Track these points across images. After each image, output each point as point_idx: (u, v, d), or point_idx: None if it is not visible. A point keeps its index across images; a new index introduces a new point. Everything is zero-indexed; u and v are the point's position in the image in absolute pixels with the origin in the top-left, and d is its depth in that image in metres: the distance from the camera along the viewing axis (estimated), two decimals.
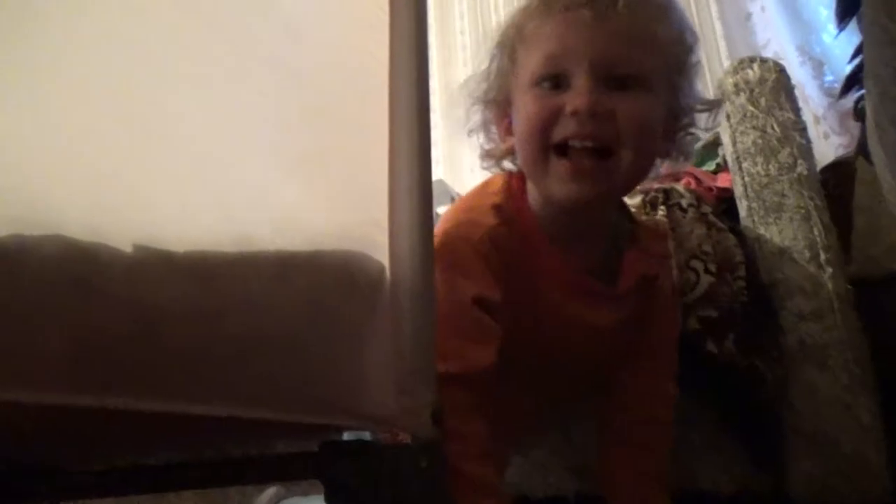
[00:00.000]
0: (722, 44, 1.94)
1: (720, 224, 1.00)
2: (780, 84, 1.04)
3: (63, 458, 0.56)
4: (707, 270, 0.93)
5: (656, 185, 1.03)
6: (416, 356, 0.46)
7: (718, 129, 1.09)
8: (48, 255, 0.29)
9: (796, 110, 1.03)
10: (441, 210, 1.79)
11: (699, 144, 1.06)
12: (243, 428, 0.44)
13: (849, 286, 0.94)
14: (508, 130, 0.75)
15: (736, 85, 1.04)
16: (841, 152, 1.57)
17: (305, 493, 0.75)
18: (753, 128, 1.01)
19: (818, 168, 1.06)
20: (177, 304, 0.33)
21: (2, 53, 0.30)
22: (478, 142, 0.80)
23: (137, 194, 0.34)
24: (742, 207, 1.02)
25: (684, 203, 1.00)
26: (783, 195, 0.97)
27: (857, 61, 1.14)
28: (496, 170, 0.80)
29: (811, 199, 0.96)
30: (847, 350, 0.89)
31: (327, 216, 0.45)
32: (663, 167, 0.76)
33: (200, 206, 0.37)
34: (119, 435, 0.46)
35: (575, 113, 0.64)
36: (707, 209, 1.02)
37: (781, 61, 1.10)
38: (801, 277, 0.93)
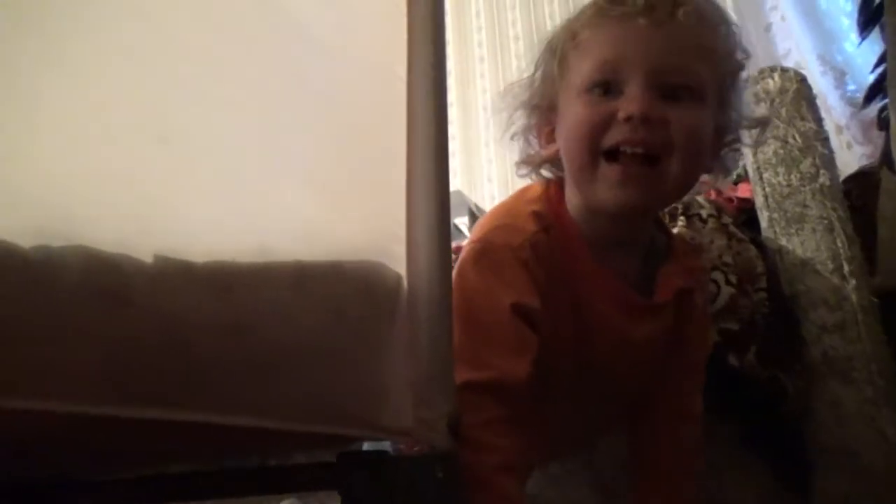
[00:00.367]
0: None
1: (741, 235, 0.99)
2: (801, 94, 1.03)
3: (82, 469, 0.56)
4: (728, 282, 0.92)
5: None
6: (433, 367, 0.46)
7: None
8: (73, 267, 0.30)
9: (818, 120, 1.02)
10: (458, 221, 1.80)
11: None
12: (262, 438, 0.45)
13: (873, 298, 0.92)
14: (550, 137, 0.75)
15: (756, 95, 1.04)
16: (864, 162, 1.55)
17: None
18: (774, 138, 1.00)
19: (841, 178, 1.05)
20: (198, 315, 0.34)
21: (30, 67, 0.30)
22: (518, 148, 0.79)
23: (158, 205, 0.35)
24: (763, 218, 1.01)
25: (704, 213, 0.99)
26: (805, 206, 0.96)
27: (880, 70, 1.13)
28: (534, 177, 0.79)
29: (834, 209, 0.95)
30: (871, 362, 0.87)
31: (345, 227, 0.45)
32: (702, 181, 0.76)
33: (220, 217, 0.38)
34: (139, 445, 0.46)
35: (628, 118, 0.64)
36: (727, 220, 1.01)
37: (802, 71, 1.09)
38: (823, 289, 0.92)
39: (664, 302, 0.75)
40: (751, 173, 1.05)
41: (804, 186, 0.97)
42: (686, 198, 1.02)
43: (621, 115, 0.64)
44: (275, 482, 0.47)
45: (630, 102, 0.64)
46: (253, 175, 0.40)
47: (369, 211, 0.48)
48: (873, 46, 1.52)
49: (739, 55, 0.71)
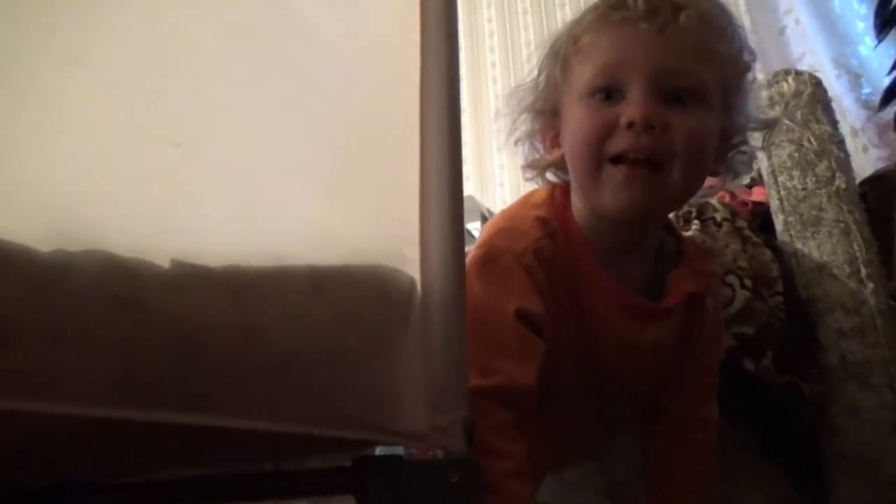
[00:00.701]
0: None
1: (755, 238, 0.98)
2: (816, 97, 1.02)
3: (94, 473, 0.57)
4: (743, 286, 0.91)
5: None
6: (447, 370, 0.46)
7: None
8: (91, 271, 0.30)
9: (833, 123, 1.01)
10: (471, 226, 1.80)
11: None
12: (276, 442, 0.45)
13: (891, 301, 0.91)
14: (555, 142, 0.75)
15: (771, 98, 1.03)
16: (880, 165, 1.54)
17: None
18: (789, 141, 1.00)
19: (857, 181, 1.04)
20: (213, 319, 0.34)
21: (46, 73, 0.31)
22: (523, 152, 0.79)
23: (174, 210, 0.35)
24: (778, 222, 1.00)
25: (719, 217, 0.99)
26: (821, 209, 0.95)
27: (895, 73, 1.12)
28: (539, 181, 0.79)
29: (850, 212, 0.94)
30: (890, 367, 0.86)
31: (358, 232, 0.45)
32: (709, 184, 0.75)
33: (234, 222, 0.38)
34: (153, 448, 0.47)
35: (630, 124, 0.64)
36: (742, 223, 1.00)
37: (817, 74, 1.08)
38: (841, 293, 0.91)
39: (672, 306, 0.74)
40: (765, 176, 1.04)
41: (820, 190, 0.96)
42: (700, 201, 1.02)
43: (623, 120, 0.64)
44: (289, 486, 0.47)
45: (632, 108, 0.64)
46: (266, 179, 0.40)
47: (382, 215, 0.48)
48: (889, 50, 1.51)
49: (745, 57, 0.71)
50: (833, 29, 1.84)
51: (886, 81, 1.30)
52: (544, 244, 0.69)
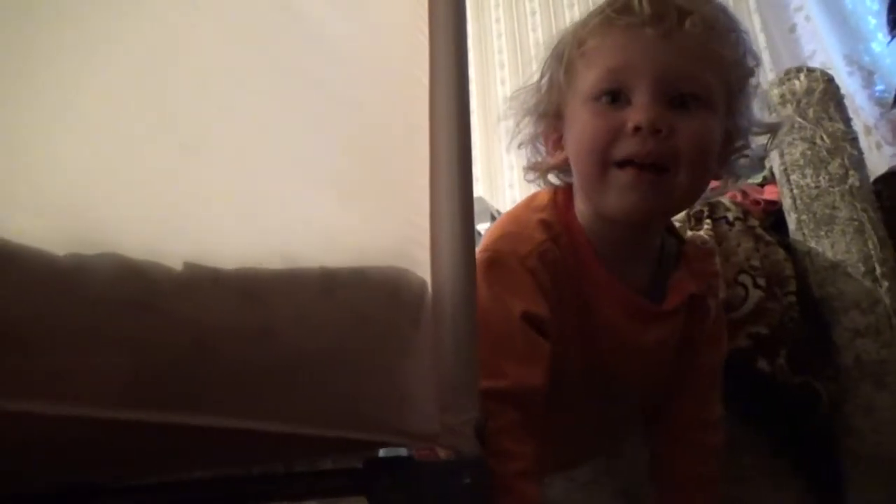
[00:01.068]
0: (766, 56, 1.90)
1: (768, 237, 0.97)
2: (828, 94, 1.01)
3: (106, 474, 0.57)
4: (756, 285, 0.90)
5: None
6: (458, 372, 0.46)
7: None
8: (104, 274, 0.30)
9: (846, 120, 1.01)
10: (481, 227, 1.80)
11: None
12: (288, 444, 0.45)
13: None
14: (558, 144, 0.75)
15: (782, 96, 1.02)
16: (894, 162, 1.52)
17: None
18: (802, 139, 0.99)
19: (870, 179, 1.03)
20: (226, 321, 0.34)
21: (59, 77, 0.31)
22: (525, 154, 0.79)
23: (185, 213, 0.35)
24: (791, 220, 0.99)
25: (731, 216, 0.98)
26: (834, 207, 0.94)
27: None
28: (541, 183, 0.79)
29: (864, 210, 0.93)
30: None
31: (369, 234, 0.45)
32: (711, 186, 0.75)
33: (245, 224, 0.38)
34: (164, 450, 0.47)
35: (636, 129, 0.64)
36: (754, 222, 0.99)
37: (829, 71, 1.07)
38: (855, 292, 0.90)
39: (674, 307, 0.74)
40: (777, 175, 1.03)
41: (833, 188, 0.95)
42: (712, 200, 1.01)
43: (630, 125, 0.64)
44: (300, 488, 0.47)
45: (638, 112, 0.64)
46: (277, 182, 0.40)
47: (393, 217, 0.48)
48: None
49: (749, 61, 0.71)
50: (845, 25, 1.83)
51: None
52: (548, 247, 0.69)
